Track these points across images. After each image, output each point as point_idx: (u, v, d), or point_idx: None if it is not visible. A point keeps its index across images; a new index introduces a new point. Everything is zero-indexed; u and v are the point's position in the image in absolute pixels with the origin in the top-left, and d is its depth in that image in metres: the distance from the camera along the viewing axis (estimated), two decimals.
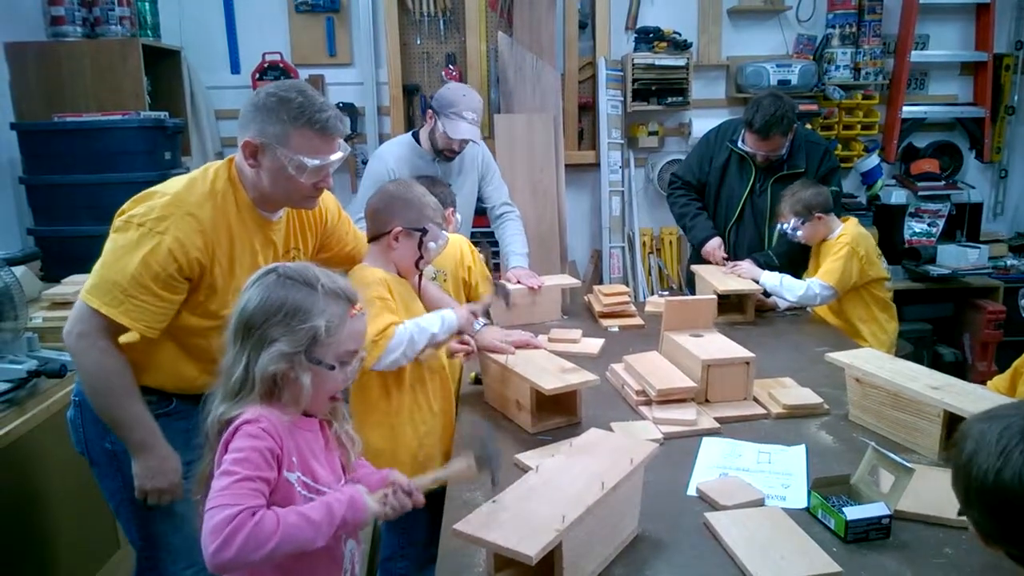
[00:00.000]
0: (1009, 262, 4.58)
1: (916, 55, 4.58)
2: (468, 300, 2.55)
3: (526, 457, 1.78)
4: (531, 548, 1.18)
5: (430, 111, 3.01)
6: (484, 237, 3.31)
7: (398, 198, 2.05)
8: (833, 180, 3.13)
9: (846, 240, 2.82)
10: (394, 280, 2.02)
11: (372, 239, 2.07)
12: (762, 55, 4.55)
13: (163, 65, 4.15)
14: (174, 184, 1.74)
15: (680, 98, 4.41)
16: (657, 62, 4.37)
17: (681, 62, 4.37)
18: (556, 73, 4.40)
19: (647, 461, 1.47)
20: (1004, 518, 0.91)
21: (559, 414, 2.01)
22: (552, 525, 1.23)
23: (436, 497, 1.78)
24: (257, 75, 4.38)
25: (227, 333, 1.34)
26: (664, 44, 4.39)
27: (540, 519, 1.25)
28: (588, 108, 4.61)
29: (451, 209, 2.72)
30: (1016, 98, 4.75)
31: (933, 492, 1.60)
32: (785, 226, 2.94)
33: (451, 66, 4.47)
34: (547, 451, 1.79)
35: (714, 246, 3.18)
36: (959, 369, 4.25)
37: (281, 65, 4.39)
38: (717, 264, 3.15)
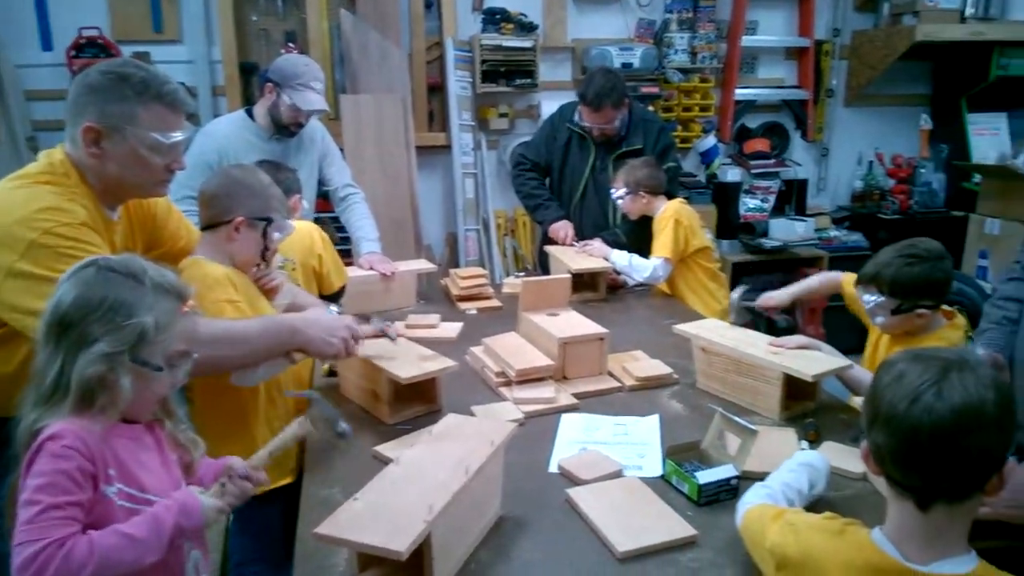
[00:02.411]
0: (832, 233, 4.97)
1: (747, 40, 4.85)
2: (319, 290, 2.46)
3: (385, 449, 1.73)
4: (401, 544, 1.14)
5: (269, 84, 2.86)
6: (331, 222, 3.20)
7: (241, 184, 1.89)
8: (669, 156, 3.28)
9: (670, 214, 2.97)
10: (235, 275, 1.86)
11: (206, 227, 1.89)
12: (606, 38, 4.66)
13: None
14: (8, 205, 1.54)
15: (529, 80, 4.45)
16: (505, 43, 4.38)
17: (528, 44, 4.41)
18: (403, 53, 4.32)
19: (507, 442, 1.47)
20: (903, 445, 0.98)
21: (418, 403, 1.96)
22: (420, 517, 1.20)
23: (291, 495, 1.71)
24: (73, 52, 3.98)
25: (39, 332, 1.21)
26: (511, 26, 4.40)
27: (406, 512, 1.22)
28: (437, 89, 4.56)
29: (297, 196, 2.61)
30: (835, 81, 5.12)
31: (776, 450, 1.69)
32: (614, 192, 3.06)
33: (291, 44, 4.28)
34: (406, 441, 1.75)
35: (561, 226, 3.23)
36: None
37: (100, 41, 4.03)
38: (564, 244, 3.20)
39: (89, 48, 4.00)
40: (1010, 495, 1.17)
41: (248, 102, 4.15)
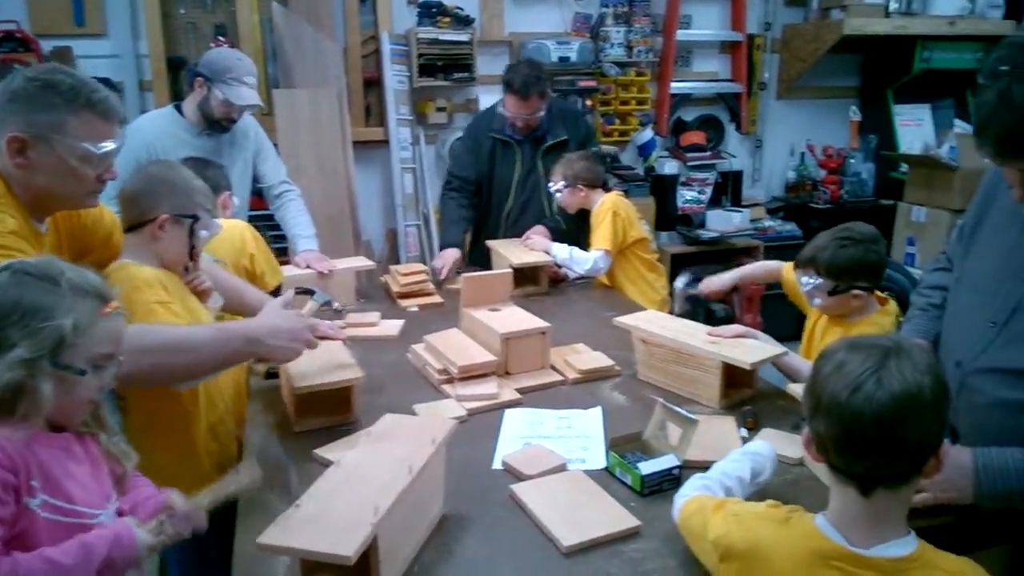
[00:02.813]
0: (767, 223, 5.07)
1: (681, 34, 4.91)
2: None
3: (325, 451, 1.69)
4: (348, 548, 1.12)
5: (199, 79, 2.78)
6: (262, 221, 3.11)
7: (163, 181, 1.82)
8: (591, 143, 3.34)
9: (607, 206, 2.99)
10: (165, 276, 1.79)
11: (130, 228, 1.81)
12: (543, 32, 4.66)
13: None
14: None
15: (466, 74, 4.43)
16: (441, 37, 4.35)
17: (465, 37, 4.38)
18: (337, 47, 4.25)
19: (448, 439, 1.45)
20: (845, 434, 0.99)
21: (328, 412, 1.85)
22: (365, 519, 1.17)
23: (231, 505, 1.66)
24: None
25: None
26: (447, 19, 4.37)
27: (351, 515, 1.19)
28: (374, 83, 4.50)
29: (227, 193, 2.54)
30: (767, 74, 5.22)
31: (716, 439, 1.72)
32: (552, 185, 3.06)
33: (221, 37, 4.16)
34: (347, 443, 1.71)
35: (446, 255, 3.11)
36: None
37: (18, 35, 3.85)
38: (439, 273, 3.05)
39: (7, 43, 3.81)
40: (945, 476, 1.21)
41: (176, 97, 4.03)
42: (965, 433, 1.35)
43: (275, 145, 3.30)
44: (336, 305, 1.94)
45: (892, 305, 2.01)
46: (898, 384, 0.97)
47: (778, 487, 1.54)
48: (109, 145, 1.57)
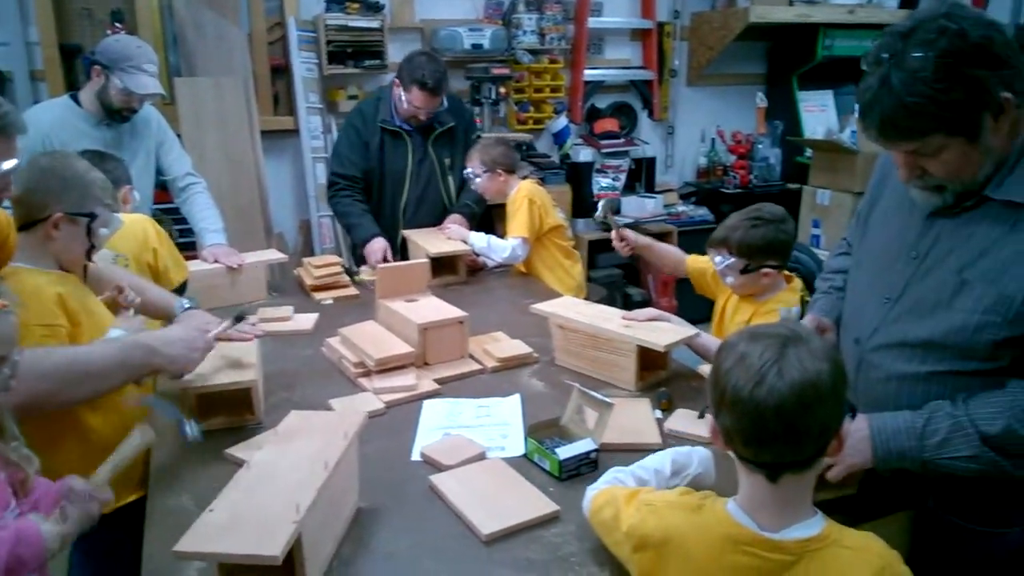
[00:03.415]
0: (680, 208, 5.18)
1: (593, 21, 4.94)
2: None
3: (238, 451, 1.64)
4: (274, 547, 1.09)
5: (97, 67, 2.67)
6: (167, 214, 2.99)
7: (55, 176, 1.71)
8: (472, 128, 3.37)
9: (523, 194, 3.00)
10: (61, 282, 1.67)
11: (22, 228, 1.68)
12: (454, 19, 4.61)
13: None
14: None
15: (377, 61, 4.35)
16: (351, 23, 4.26)
17: (375, 24, 4.30)
18: (242, 33, 4.12)
19: (360, 432, 1.43)
20: (751, 427, 1.01)
21: (227, 413, 1.80)
22: (287, 518, 1.15)
23: (140, 511, 1.59)
24: None
25: None
26: (357, 5, 4.28)
27: (270, 515, 1.16)
28: (282, 71, 4.38)
29: (128, 187, 2.43)
30: (677, 62, 5.32)
31: (632, 421, 1.75)
32: (469, 171, 3.05)
33: (118, 24, 3.96)
34: (257, 443, 1.65)
35: (376, 248, 3.04)
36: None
37: None
38: (373, 266, 2.95)
39: None
40: (847, 444, 1.26)
41: (71, 88, 3.83)
42: (865, 408, 1.41)
43: (179, 136, 3.18)
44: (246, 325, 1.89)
45: (797, 282, 2.08)
46: (798, 374, 0.98)
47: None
48: (9, 164, 1.47)
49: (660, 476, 1.34)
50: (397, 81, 3.04)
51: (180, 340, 1.67)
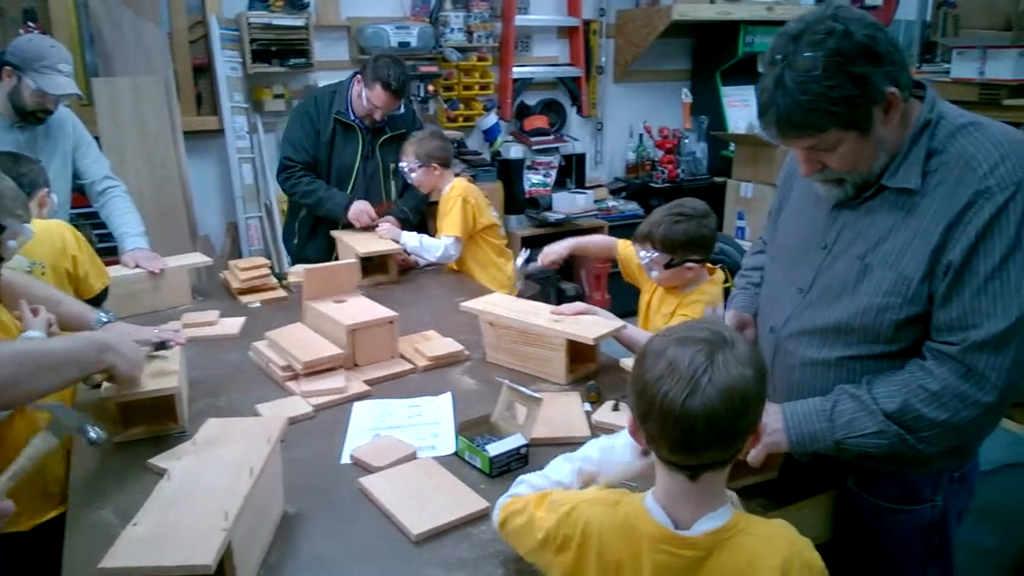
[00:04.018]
0: (610, 203, 5.25)
1: (520, 19, 4.96)
2: (77, 294, 2.22)
3: (161, 460, 1.60)
4: (205, 557, 1.07)
5: (7, 68, 2.58)
6: (85, 219, 2.89)
7: None
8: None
9: (457, 193, 3.00)
10: None
11: None
12: (381, 16, 4.58)
13: None
14: None
15: (303, 59, 4.28)
16: (275, 22, 4.18)
17: (300, 22, 4.23)
18: (162, 31, 4.00)
19: (281, 436, 1.42)
20: (680, 435, 1.00)
21: (149, 421, 1.76)
22: (216, 526, 1.13)
23: (60, 527, 1.54)
24: None
25: None
26: (280, 3, 4.21)
27: (198, 525, 1.14)
28: (204, 70, 4.27)
29: (45, 190, 2.34)
30: (604, 59, 5.38)
31: (562, 415, 1.77)
32: (404, 165, 3.04)
33: (31, 23, 3.81)
34: (178, 453, 1.62)
35: (359, 210, 3.12)
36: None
37: None
38: (365, 224, 3.11)
39: None
40: (765, 439, 1.31)
41: None
42: (782, 393, 1.46)
43: (96, 138, 3.07)
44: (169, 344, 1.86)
45: (720, 274, 2.14)
46: (726, 381, 0.98)
47: None
48: None
49: (577, 474, 1.30)
50: (359, 78, 3.10)
51: (129, 342, 1.65)
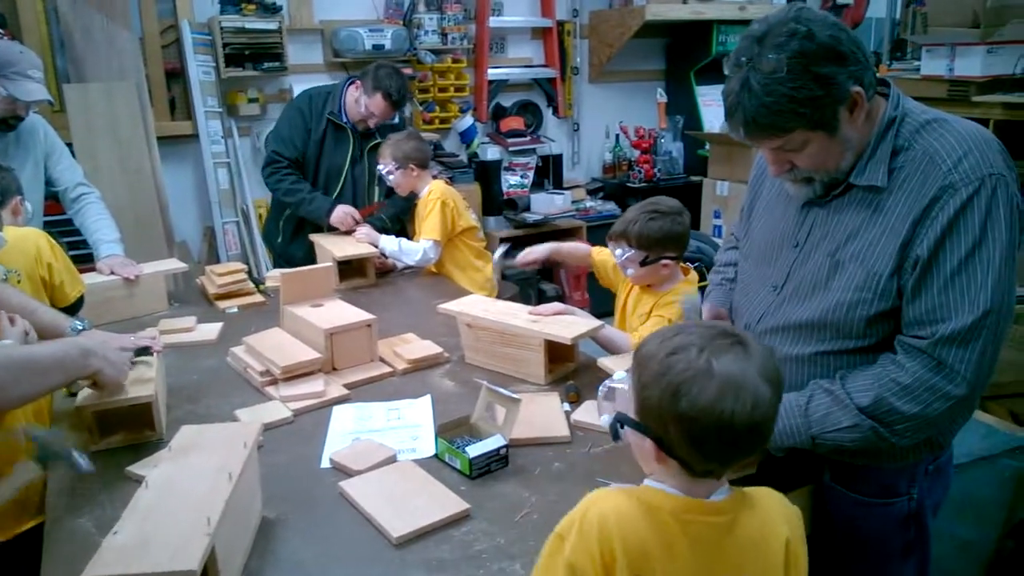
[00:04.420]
0: (588, 204, 5.28)
1: (494, 21, 4.98)
2: (53, 304, 2.20)
3: (138, 468, 1.59)
4: (189, 562, 1.07)
5: None
6: (54, 227, 2.86)
7: None
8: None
9: (436, 196, 2.99)
10: None
11: None
12: (354, 20, 4.57)
13: None
14: None
15: (277, 63, 4.27)
16: (248, 25, 4.16)
17: (273, 26, 4.22)
18: (133, 36, 3.98)
19: (258, 440, 1.42)
20: (733, 448, 0.98)
21: (127, 429, 1.74)
22: (199, 531, 1.13)
23: (39, 537, 1.53)
24: None
25: None
26: (253, 7, 4.19)
27: (181, 530, 1.14)
28: (177, 75, 4.25)
29: (18, 198, 2.32)
30: (579, 59, 5.40)
31: (541, 415, 1.78)
32: (380, 167, 3.04)
33: (0, 28, 3.77)
34: (156, 460, 1.61)
35: (343, 214, 3.11)
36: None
37: None
38: (349, 228, 3.10)
39: None
40: None
41: None
42: None
43: (69, 145, 3.04)
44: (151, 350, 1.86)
45: (693, 274, 2.16)
46: (766, 386, 0.97)
47: (601, 456, 1.63)
48: None
49: None
50: (357, 84, 3.11)
51: (111, 347, 1.65)
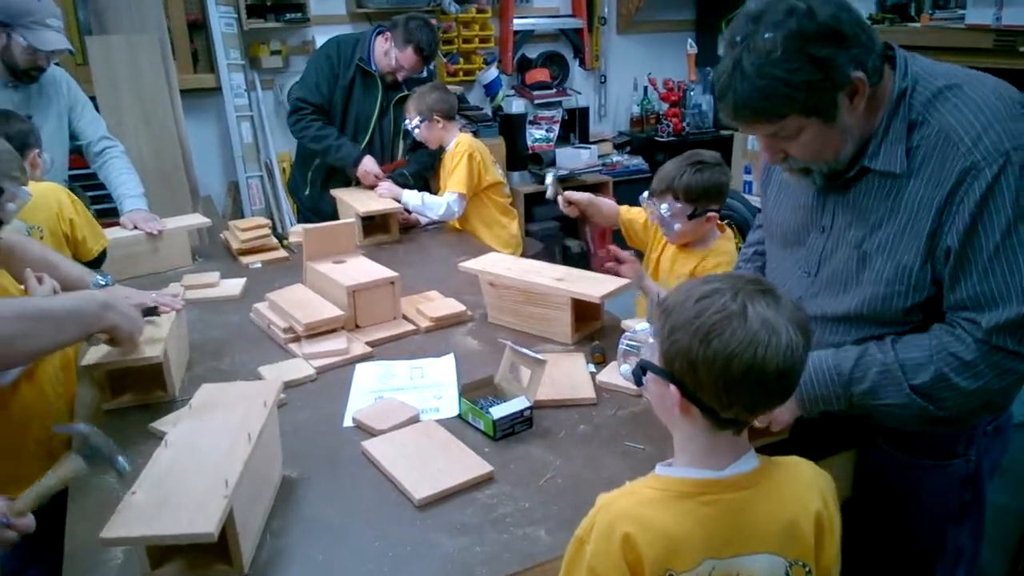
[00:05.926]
0: (615, 158, 5.17)
1: None
2: (75, 257, 2.20)
3: (162, 424, 1.59)
4: (208, 525, 1.07)
5: None
6: (77, 180, 2.85)
7: None
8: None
9: (463, 149, 2.94)
10: None
11: None
12: None
13: None
14: None
15: (299, 14, 4.19)
16: None
17: None
18: None
19: (278, 399, 1.41)
20: (762, 394, 0.97)
21: (137, 388, 1.74)
22: (217, 493, 1.12)
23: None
24: None
25: None
26: None
27: (198, 492, 1.13)
28: (199, 27, 4.19)
29: (36, 150, 2.30)
30: (606, 10, 5.26)
31: (566, 376, 1.75)
32: (408, 123, 2.99)
33: None
34: (174, 419, 1.60)
35: (369, 166, 3.08)
36: (584, 258, 4.73)
37: None
38: (371, 185, 3.08)
39: None
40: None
41: None
42: None
43: (92, 99, 3.02)
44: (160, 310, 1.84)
45: (730, 232, 2.10)
46: (796, 330, 0.96)
47: (627, 419, 1.60)
48: None
49: None
50: (388, 35, 3.06)
51: (128, 302, 1.65)
